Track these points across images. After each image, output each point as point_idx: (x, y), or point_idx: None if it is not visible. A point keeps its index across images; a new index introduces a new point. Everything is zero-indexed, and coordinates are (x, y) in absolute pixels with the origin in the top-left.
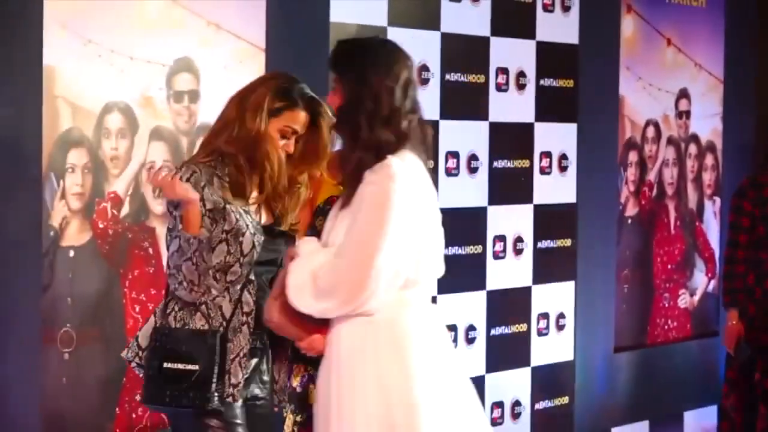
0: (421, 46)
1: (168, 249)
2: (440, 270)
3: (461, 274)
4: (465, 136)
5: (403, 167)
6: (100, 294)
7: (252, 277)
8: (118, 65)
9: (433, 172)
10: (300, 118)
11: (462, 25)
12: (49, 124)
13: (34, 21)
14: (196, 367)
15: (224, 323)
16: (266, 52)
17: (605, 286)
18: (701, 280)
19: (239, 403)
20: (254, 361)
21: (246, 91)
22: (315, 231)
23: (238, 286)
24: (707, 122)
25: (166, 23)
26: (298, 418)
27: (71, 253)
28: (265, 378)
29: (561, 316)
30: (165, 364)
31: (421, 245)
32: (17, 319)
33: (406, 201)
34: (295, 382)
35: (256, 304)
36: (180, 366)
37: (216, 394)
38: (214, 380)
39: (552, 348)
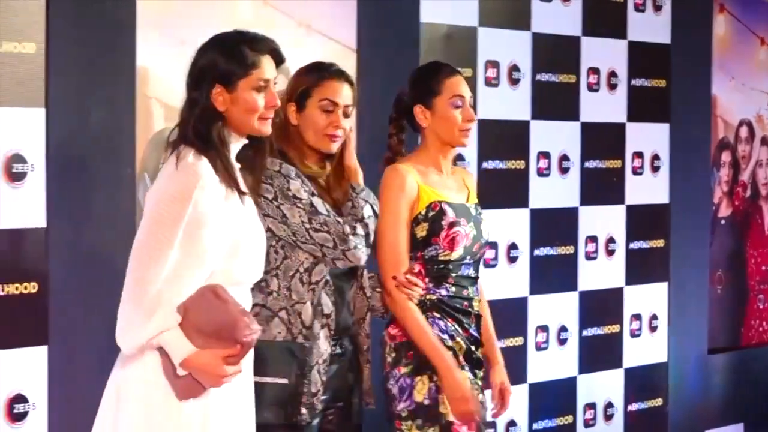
0: (511, 46)
1: None
2: None
3: (553, 275)
4: (556, 137)
5: None
6: None
7: (328, 277)
8: None
9: (524, 172)
10: (334, 87)
11: (553, 25)
12: (142, 124)
13: (127, 23)
14: (285, 381)
15: (303, 330)
16: (357, 53)
17: (698, 288)
18: None
19: (317, 413)
20: (334, 367)
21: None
22: (415, 240)
23: (317, 288)
24: None
25: (258, 24)
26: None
27: None
28: (350, 383)
29: (654, 317)
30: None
31: None
32: (112, 317)
33: None
34: (420, 396)
35: (335, 306)
36: (268, 380)
37: (305, 408)
38: (305, 394)
39: (645, 349)
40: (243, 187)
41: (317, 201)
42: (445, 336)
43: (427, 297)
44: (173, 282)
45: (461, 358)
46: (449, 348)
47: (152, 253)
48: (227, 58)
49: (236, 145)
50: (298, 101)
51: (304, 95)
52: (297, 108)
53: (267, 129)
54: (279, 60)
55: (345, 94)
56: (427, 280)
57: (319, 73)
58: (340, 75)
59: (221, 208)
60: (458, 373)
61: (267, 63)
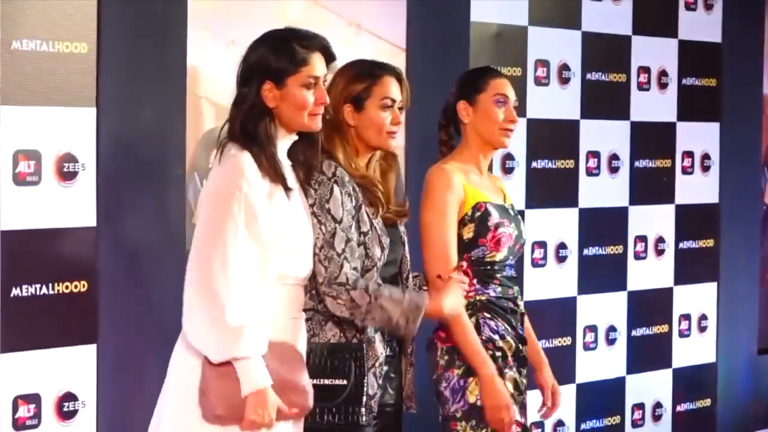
0: (561, 45)
1: None
2: None
3: (602, 275)
4: (606, 136)
5: None
6: None
7: (380, 281)
8: None
9: (574, 172)
10: (391, 84)
11: (603, 24)
12: (192, 124)
13: (178, 22)
14: (344, 382)
15: (357, 334)
16: (407, 53)
17: (748, 288)
18: None
19: (373, 414)
20: (385, 368)
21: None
22: (462, 241)
23: None
24: None
25: (308, 23)
26: None
27: None
28: (395, 384)
29: (703, 317)
30: (312, 380)
31: None
32: (161, 316)
33: None
34: (473, 397)
35: None
36: (327, 381)
37: (364, 409)
38: (364, 395)
39: (694, 349)
40: (290, 183)
41: (340, 234)
42: (496, 336)
43: (477, 298)
44: (247, 286)
45: (510, 358)
46: (499, 348)
47: (217, 258)
48: (277, 54)
49: (286, 141)
50: (356, 101)
51: (362, 95)
52: (354, 108)
53: (317, 125)
54: (330, 57)
55: (398, 91)
56: (475, 281)
57: (376, 71)
58: (393, 71)
59: (266, 203)
60: (498, 381)
61: (317, 60)
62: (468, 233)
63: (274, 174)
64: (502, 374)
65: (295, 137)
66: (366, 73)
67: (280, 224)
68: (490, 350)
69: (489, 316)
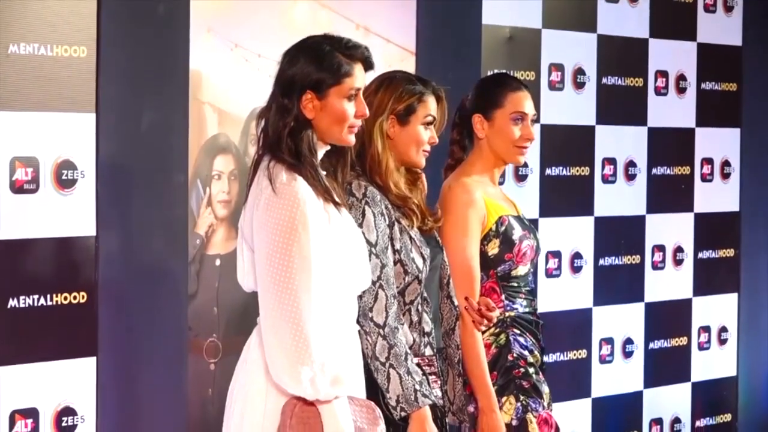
0: (576, 49)
1: None
2: None
3: (618, 285)
4: (622, 142)
5: None
6: (246, 303)
7: (425, 293)
8: (265, 70)
9: (589, 179)
10: (432, 103)
11: (619, 27)
12: (195, 130)
13: (180, 26)
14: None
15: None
16: (416, 56)
17: None
18: None
19: None
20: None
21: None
22: (487, 258)
23: (414, 307)
24: None
25: (314, 27)
26: None
27: (217, 262)
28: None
29: (723, 329)
30: None
31: None
32: (163, 328)
33: None
34: (507, 417)
35: (433, 322)
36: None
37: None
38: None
39: (714, 363)
40: (337, 198)
41: (374, 260)
42: (526, 352)
43: (506, 315)
44: (329, 316)
45: (540, 373)
46: (531, 365)
47: (298, 296)
48: (320, 64)
49: (320, 152)
50: (400, 115)
51: (409, 110)
52: (398, 122)
53: (353, 141)
54: (369, 67)
55: (435, 110)
56: (503, 297)
57: (424, 87)
58: (435, 91)
59: (325, 223)
60: (499, 415)
61: (359, 71)
62: (493, 249)
63: (326, 193)
64: (539, 391)
65: (327, 147)
66: (415, 88)
67: (339, 238)
68: (523, 367)
69: (518, 331)
